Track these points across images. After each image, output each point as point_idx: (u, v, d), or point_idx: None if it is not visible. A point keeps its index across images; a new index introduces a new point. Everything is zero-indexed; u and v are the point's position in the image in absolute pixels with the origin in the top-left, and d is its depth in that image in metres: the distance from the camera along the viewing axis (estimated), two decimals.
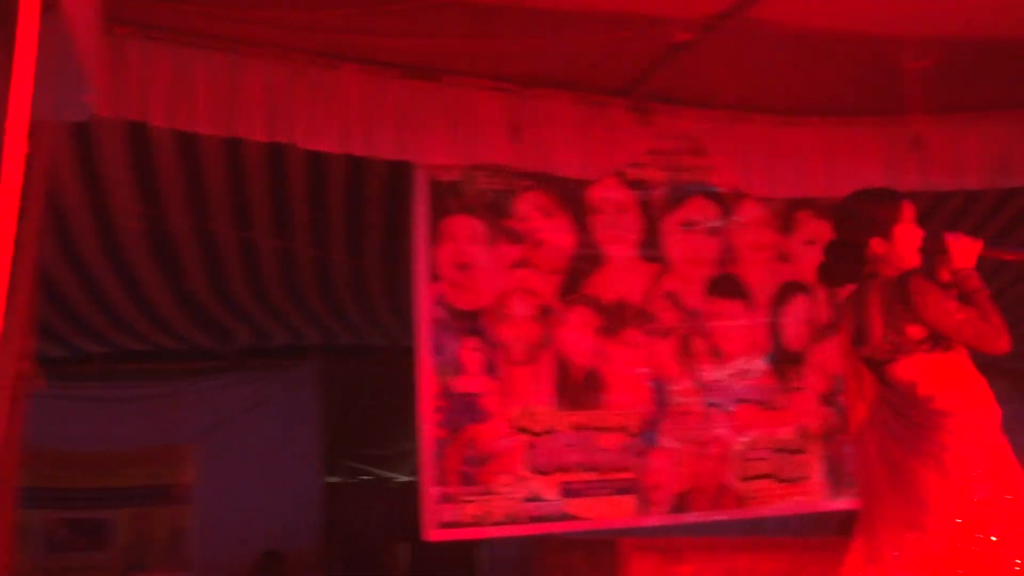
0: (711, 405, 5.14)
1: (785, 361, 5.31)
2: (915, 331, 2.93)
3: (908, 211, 3.05)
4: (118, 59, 3.87)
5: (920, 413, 2.94)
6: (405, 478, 7.07)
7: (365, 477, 7.64)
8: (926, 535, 2.85)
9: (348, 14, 3.86)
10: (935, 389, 2.92)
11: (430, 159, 4.57)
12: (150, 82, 3.95)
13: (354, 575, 6.93)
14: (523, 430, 4.76)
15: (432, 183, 4.68)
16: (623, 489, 4.90)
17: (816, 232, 5.42)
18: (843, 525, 6.30)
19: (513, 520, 4.68)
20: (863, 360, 3.05)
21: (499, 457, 4.69)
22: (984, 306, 2.89)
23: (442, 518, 4.55)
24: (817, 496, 5.31)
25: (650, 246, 5.11)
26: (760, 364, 5.27)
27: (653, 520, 4.97)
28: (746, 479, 5.15)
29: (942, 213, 5.50)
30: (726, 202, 5.27)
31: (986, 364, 2.95)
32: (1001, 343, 2.87)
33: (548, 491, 4.75)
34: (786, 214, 5.37)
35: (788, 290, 5.36)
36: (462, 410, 4.65)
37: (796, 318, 5.36)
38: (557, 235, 4.92)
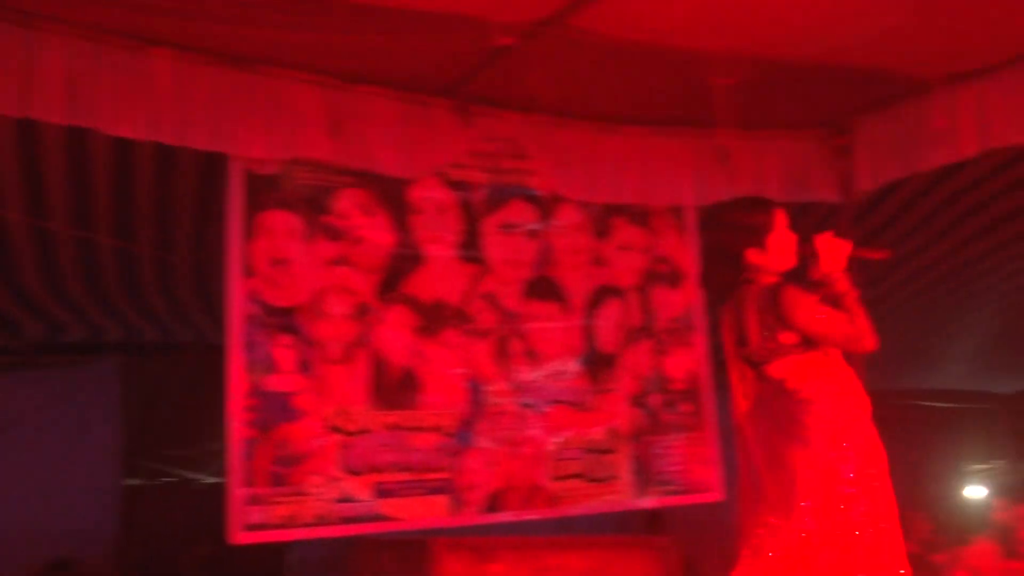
0: (525, 406, 5.21)
1: (598, 363, 5.45)
2: (787, 337, 3.13)
3: (780, 219, 3.22)
4: None
5: (790, 402, 3.14)
6: (212, 479, 6.84)
7: (168, 479, 7.34)
8: (794, 518, 3.03)
9: None
10: (803, 383, 3.13)
11: (246, 151, 4.41)
12: None
13: None
14: (337, 430, 4.68)
15: (248, 176, 4.52)
16: (437, 489, 4.90)
17: (630, 238, 5.62)
18: (649, 523, 6.57)
19: (324, 521, 4.59)
20: (744, 359, 3.23)
21: (311, 457, 4.59)
22: (851, 308, 3.10)
23: (249, 520, 4.40)
24: (625, 495, 5.46)
25: (470, 247, 5.13)
26: (574, 366, 5.38)
27: (466, 520, 4.99)
28: (558, 479, 5.24)
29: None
30: (545, 206, 5.35)
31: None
32: (865, 344, 3.10)
33: (361, 491, 4.69)
34: (602, 219, 5.51)
35: (602, 294, 5.51)
36: (274, 409, 4.53)
37: (610, 321, 5.50)
38: (376, 233, 4.86)
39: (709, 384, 5.73)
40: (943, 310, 7.23)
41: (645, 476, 5.50)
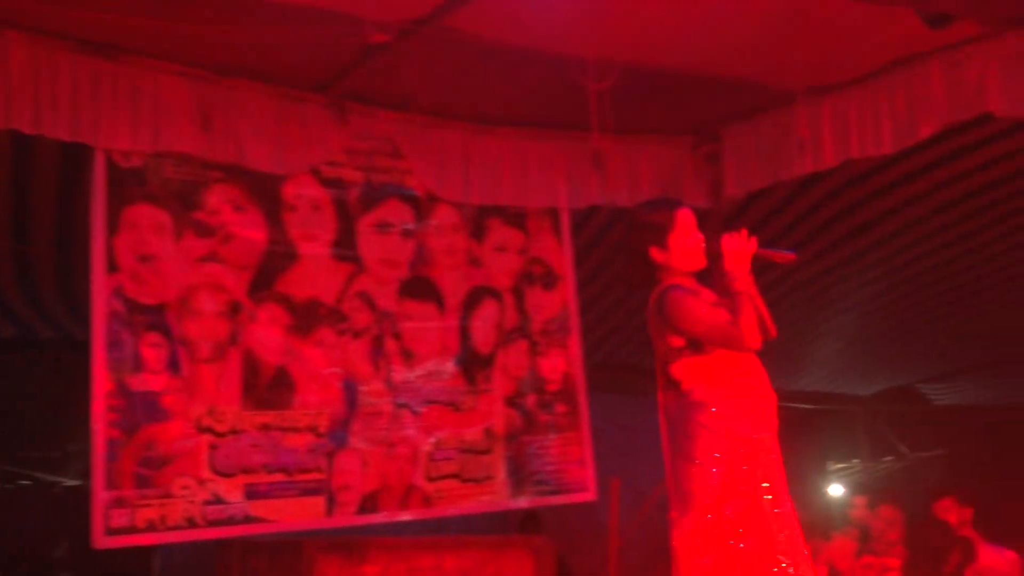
0: (401, 406, 5.20)
1: (474, 364, 5.48)
2: (675, 340, 3.16)
3: (683, 219, 3.22)
4: None
5: (682, 405, 3.17)
6: (72, 482, 6.59)
7: (24, 482, 7.03)
8: (685, 523, 3.10)
9: None
10: (696, 384, 3.15)
11: (110, 143, 4.29)
12: None
13: None
14: (207, 430, 4.58)
15: (112, 168, 4.39)
16: (311, 490, 4.84)
17: (505, 239, 5.67)
18: (523, 523, 6.62)
19: (192, 524, 4.49)
20: (656, 361, 3.26)
21: (179, 458, 4.49)
22: (739, 309, 3.09)
23: (113, 524, 4.27)
24: (501, 495, 5.50)
25: (344, 246, 5.10)
26: (450, 366, 5.40)
27: (341, 521, 4.95)
28: (433, 479, 5.25)
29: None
30: (421, 205, 5.36)
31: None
32: (746, 344, 3.10)
33: (231, 493, 4.60)
34: (478, 220, 5.55)
35: (478, 294, 5.54)
36: (140, 409, 4.41)
37: (485, 322, 5.54)
38: (248, 230, 4.79)
39: (583, 385, 5.83)
40: (806, 315, 7.52)
41: (520, 476, 5.56)
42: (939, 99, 4.61)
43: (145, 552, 5.09)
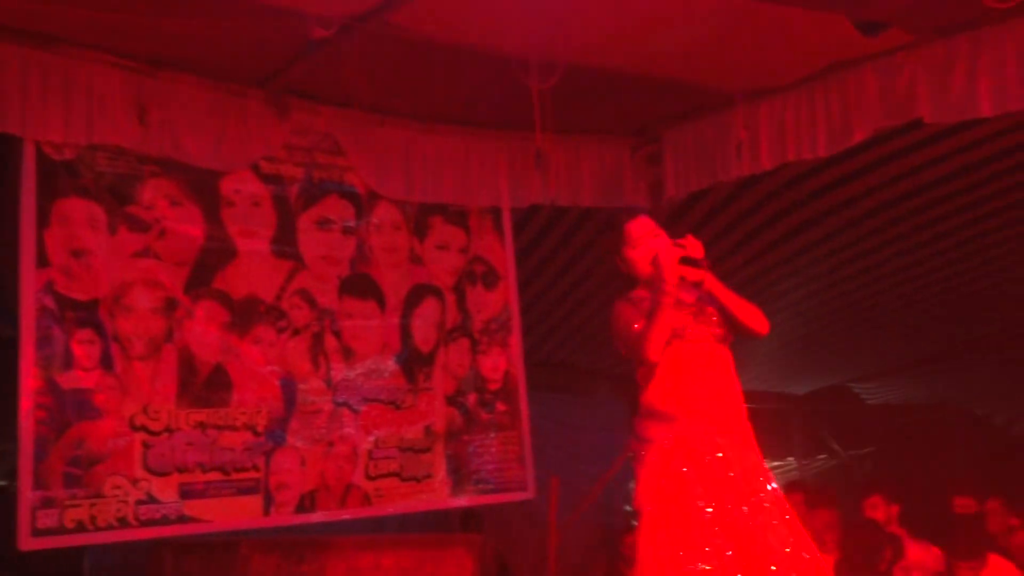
0: (340, 404, 5.16)
1: (415, 362, 5.46)
2: (620, 347, 3.25)
3: (634, 231, 3.28)
4: None
5: (640, 411, 3.24)
6: None
7: None
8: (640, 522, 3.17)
9: None
10: (648, 390, 3.21)
11: (40, 134, 4.19)
12: None
13: None
14: (140, 428, 4.51)
15: (42, 160, 4.29)
16: (248, 489, 4.79)
17: (447, 237, 5.66)
18: (463, 522, 6.61)
19: (124, 524, 4.41)
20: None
21: (111, 457, 4.41)
22: (651, 318, 3.13)
23: (40, 524, 4.17)
24: (441, 494, 5.50)
25: (284, 242, 5.04)
26: (390, 364, 5.38)
27: (278, 520, 4.90)
28: (373, 478, 5.22)
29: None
30: (362, 203, 5.33)
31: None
32: (645, 354, 3.15)
33: (165, 493, 4.53)
34: (419, 218, 5.53)
35: (420, 292, 5.53)
36: (70, 407, 4.32)
37: (426, 320, 5.53)
38: (185, 226, 4.71)
39: (523, 384, 5.85)
40: None
41: (460, 475, 5.56)
42: (872, 104, 4.71)
43: (75, 553, 4.98)
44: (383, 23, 4.11)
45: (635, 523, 3.29)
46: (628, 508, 7.23)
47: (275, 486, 4.88)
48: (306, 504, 4.97)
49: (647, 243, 3.25)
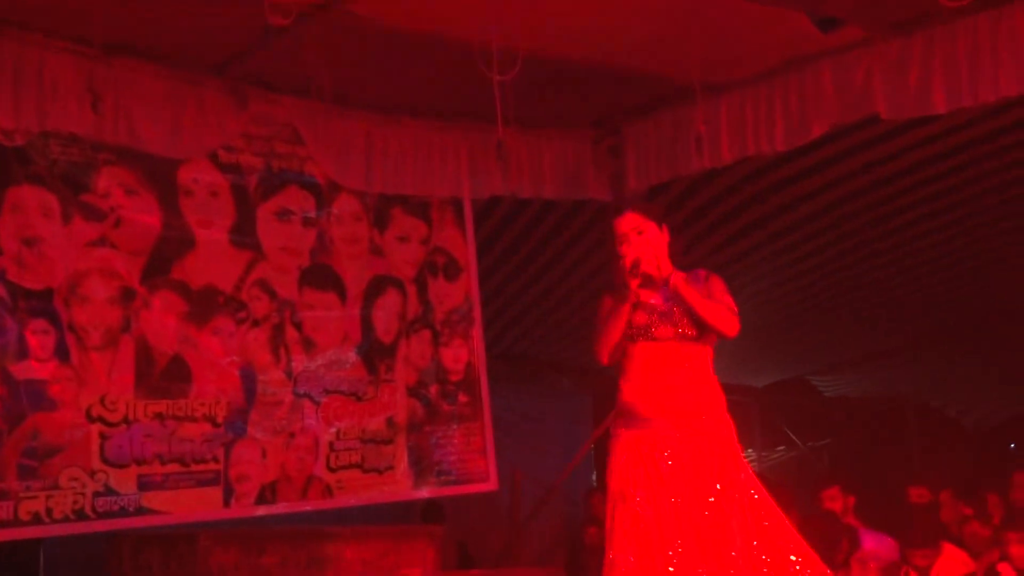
0: (301, 395, 5.15)
1: (376, 353, 5.46)
2: None
3: (618, 228, 3.35)
4: None
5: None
6: None
7: None
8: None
9: None
10: (622, 381, 3.29)
11: None
12: None
13: None
14: (97, 419, 4.46)
15: None
16: (207, 481, 4.77)
17: (408, 228, 5.66)
18: (425, 513, 6.62)
19: (81, 516, 4.37)
20: None
21: (68, 449, 4.37)
22: (605, 319, 3.26)
23: None
24: (403, 485, 5.51)
25: (243, 232, 5.02)
26: (351, 356, 5.37)
27: (239, 512, 4.88)
28: (334, 469, 5.22)
29: None
30: (322, 193, 5.31)
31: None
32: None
33: (123, 484, 4.50)
34: (380, 209, 5.52)
35: (380, 283, 5.52)
36: (25, 398, 4.28)
37: (387, 311, 5.53)
38: (141, 214, 4.67)
39: (485, 375, 5.86)
40: None
41: (422, 466, 5.56)
42: (830, 100, 4.76)
43: (31, 546, 4.92)
44: (343, 11, 4.09)
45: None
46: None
47: (235, 478, 4.86)
48: (267, 496, 4.95)
49: (630, 241, 3.30)
